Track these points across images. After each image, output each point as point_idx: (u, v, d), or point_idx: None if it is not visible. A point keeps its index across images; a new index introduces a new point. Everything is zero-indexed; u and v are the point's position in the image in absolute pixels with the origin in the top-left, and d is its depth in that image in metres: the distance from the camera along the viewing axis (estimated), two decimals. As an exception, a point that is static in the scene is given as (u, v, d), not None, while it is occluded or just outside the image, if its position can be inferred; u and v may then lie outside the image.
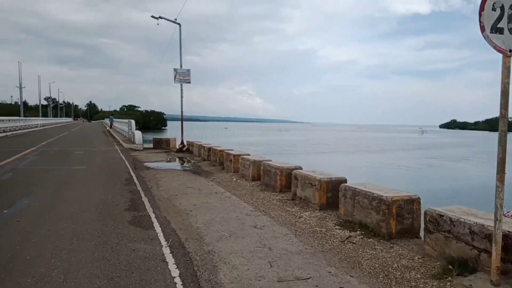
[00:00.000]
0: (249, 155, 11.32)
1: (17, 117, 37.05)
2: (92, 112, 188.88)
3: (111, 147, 19.34)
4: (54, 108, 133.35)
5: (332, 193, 6.45)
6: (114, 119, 44.91)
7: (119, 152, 17.27)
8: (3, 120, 30.88)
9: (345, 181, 6.44)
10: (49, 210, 6.26)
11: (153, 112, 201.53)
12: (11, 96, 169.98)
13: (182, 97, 18.31)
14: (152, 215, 6.06)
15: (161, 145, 20.14)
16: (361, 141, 75.03)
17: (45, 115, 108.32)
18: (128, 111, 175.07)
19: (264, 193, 8.23)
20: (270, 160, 9.67)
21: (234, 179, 10.26)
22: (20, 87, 45.37)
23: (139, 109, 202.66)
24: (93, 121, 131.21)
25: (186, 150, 18.18)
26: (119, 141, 23.13)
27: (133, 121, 21.29)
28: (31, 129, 38.25)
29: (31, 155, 15.04)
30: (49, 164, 12.72)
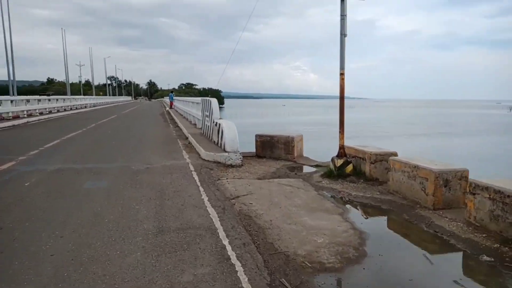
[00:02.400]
0: None
1: (55, 96, 28.28)
2: (152, 91, 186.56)
3: (176, 159, 8.74)
4: (117, 87, 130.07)
5: None
6: (174, 97, 35.19)
7: (196, 180, 6.63)
8: (28, 101, 21.88)
9: None
10: None
11: (210, 89, 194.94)
12: (79, 76, 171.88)
13: (344, 34, 7.04)
14: None
15: (273, 150, 9.29)
16: (451, 119, 60.84)
17: (106, 94, 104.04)
18: (186, 89, 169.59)
19: None
20: None
21: None
22: (66, 65, 37.10)
23: (197, 86, 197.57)
24: (153, 100, 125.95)
25: (350, 171, 7.08)
26: (187, 137, 12.63)
27: (214, 101, 10.41)
28: (73, 111, 29.53)
29: None
30: None
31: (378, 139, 28.60)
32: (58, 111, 27.47)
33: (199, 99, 15.30)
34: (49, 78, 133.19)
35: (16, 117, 19.70)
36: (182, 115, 23.56)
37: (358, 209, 5.35)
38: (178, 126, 16.85)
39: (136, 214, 4.72)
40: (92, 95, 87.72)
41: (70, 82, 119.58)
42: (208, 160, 8.44)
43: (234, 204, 5.36)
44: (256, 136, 9.51)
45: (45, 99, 24.93)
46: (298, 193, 6.09)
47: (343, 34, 6.98)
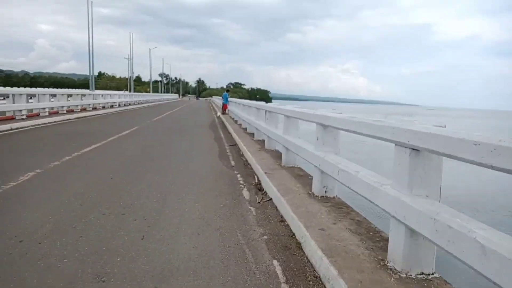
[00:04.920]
0: None
1: (43, 90, 17.58)
2: (200, 89, 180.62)
3: None
4: (163, 84, 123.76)
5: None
6: (230, 99, 24.03)
7: None
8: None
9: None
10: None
11: (259, 90, 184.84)
12: (132, 72, 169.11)
13: None
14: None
15: None
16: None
17: (156, 90, 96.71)
18: (235, 88, 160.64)
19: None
20: None
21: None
22: (90, 55, 27.01)
23: (244, 86, 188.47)
24: (201, 98, 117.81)
25: None
26: None
27: None
28: (80, 114, 19.01)
29: None
30: None
31: None
32: (55, 113, 17.15)
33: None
34: (100, 71, 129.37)
35: None
36: (251, 134, 12.10)
37: None
38: (273, 203, 5.23)
39: None
40: (141, 92, 79.42)
41: (118, 76, 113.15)
42: None
43: None
44: None
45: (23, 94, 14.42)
46: None
47: None
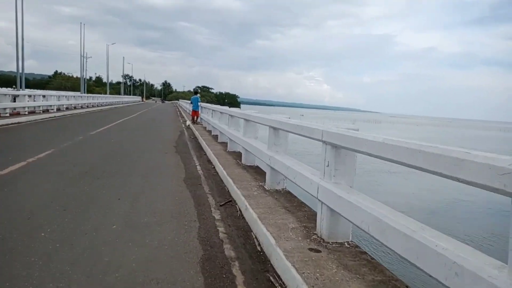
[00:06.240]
0: None
1: None
2: (166, 92, 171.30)
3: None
4: (130, 86, 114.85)
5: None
6: (203, 105, 18.45)
7: None
8: None
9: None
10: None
11: (227, 94, 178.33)
12: (95, 73, 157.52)
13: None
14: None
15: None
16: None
17: (117, 92, 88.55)
18: (203, 92, 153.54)
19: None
20: None
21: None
22: (18, 50, 20.47)
23: (212, 90, 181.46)
24: (167, 101, 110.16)
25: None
26: None
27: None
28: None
29: None
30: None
31: None
32: None
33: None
34: (56, 71, 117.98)
35: None
36: (252, 166, 6.69)
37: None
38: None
39: None
40: (101, 93, 70.84)
41: (76, 76, 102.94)
42: None
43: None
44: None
45: None
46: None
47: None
